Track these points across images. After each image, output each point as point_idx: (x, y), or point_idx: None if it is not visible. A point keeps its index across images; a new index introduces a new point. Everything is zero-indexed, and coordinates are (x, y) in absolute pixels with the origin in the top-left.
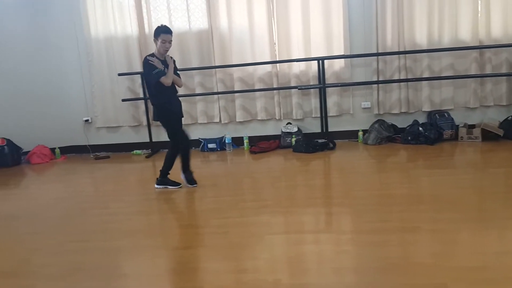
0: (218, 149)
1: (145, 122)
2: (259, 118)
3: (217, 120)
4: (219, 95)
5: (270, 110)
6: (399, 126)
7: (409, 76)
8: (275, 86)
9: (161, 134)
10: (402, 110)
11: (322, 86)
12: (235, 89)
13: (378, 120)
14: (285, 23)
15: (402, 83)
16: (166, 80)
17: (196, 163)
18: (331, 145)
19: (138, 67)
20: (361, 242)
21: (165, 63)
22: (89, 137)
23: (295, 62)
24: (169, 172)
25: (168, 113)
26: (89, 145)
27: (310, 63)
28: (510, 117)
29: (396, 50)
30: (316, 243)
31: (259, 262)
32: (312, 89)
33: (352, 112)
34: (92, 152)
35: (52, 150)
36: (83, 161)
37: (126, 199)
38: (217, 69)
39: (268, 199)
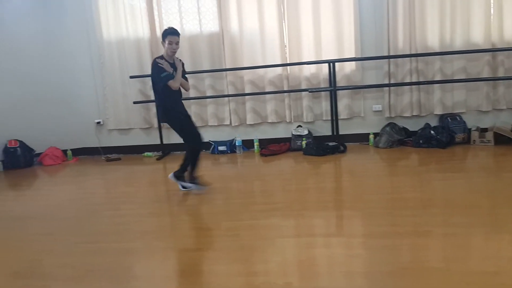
0: (228, 152)
1: (156, 124)
2: (269, 121)
3: (227, 122)
4: (230, 97)
5: (280, 113)
6: (411, 129)
7: (421, 79)
8: (285, 88)
9: (172, 136)
10: (414, 113)
11: (333, 89)
12: (245, 92)
13: (390, 123)
14: (296, 26)
15: (413, 86)
16: (174, 84)
17: (207, 165)
18: (342, 148)
19: (150, 70)
20: (372, 246)
21: (174, 65)
22: (101, 139)
23: (306, 65)
24: (196, 173)
25: (174, 113)
26: (100, 147)
27: (320, 66)
28: None
29: (407, 52)
30: (327, 247)
31: (269, 265)
32: (322, 92)
33: (363, 115)
34: (103, 154)
35: (64, 152)
36: (94, 163)
37: (137, 200)
38: (227, 71)
39: (279, 202)
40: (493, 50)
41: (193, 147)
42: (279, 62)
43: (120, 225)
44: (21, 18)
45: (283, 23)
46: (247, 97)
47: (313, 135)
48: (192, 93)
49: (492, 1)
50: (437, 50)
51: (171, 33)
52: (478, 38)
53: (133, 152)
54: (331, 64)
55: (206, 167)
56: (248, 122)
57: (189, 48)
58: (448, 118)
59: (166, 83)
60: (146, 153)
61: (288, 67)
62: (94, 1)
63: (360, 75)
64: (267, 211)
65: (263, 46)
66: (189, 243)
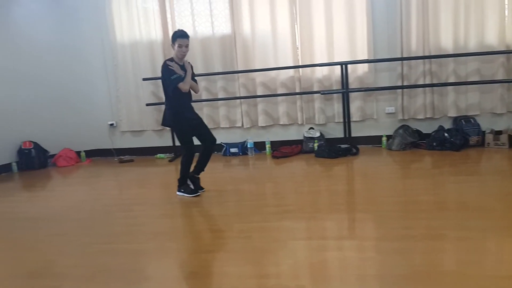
0: (240, 154)
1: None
2: (281, 123)
3: (239, 124)
4: (242, 99)
5: (292, 115)
6: (424, 131)
7: (434, 81)
8: (297, 90)
9: None
10: (427, 116)
11: (345, 91)
12: (257, 94)
13: (403, 125)
14: (308, 28)
15: (427, 88)
16: (184, 86)
17: (218, 167)
18: (354, 150)
19: None
20: (385, 249)
21: (183, 68)
22: (114, 140)
23: (318, 67)
24: (199, 176)
25: (181, 119)
26: (113, 148)
27: (333, 68)
28: None
29: (421, 54)
30: (339, 250)
31: (282, 268)
32: (335, 94)
33: (375, 117)
34: (116, 156)
35: (78, 153)
36: (107, 164)
37: (150, 202)
38: (239, 74)
39: (291, 204)
40: (508, 52)
41: (187, 155)
42: (291, 64)
43: (132, 226)
44: (37, 22)
45: (295, 25)
46: (259, 99)
47: (325, 137)
48: (204, 95)
49: (506, 2)
50: (451, 52)
51: (180, 36)
52: (492, 39)
53: (145, 154)
54: (344, 66)
55: (218, 169)
56: (260, 124)
57: (202, 50)
58: (462, 120)
59: (176, 86)
60: (158, 155)
61: (300, 69)
62: (108, 4)
63: (373, 77)
64: (279, 213)
65: (275, 48)
66: (201, 244)
